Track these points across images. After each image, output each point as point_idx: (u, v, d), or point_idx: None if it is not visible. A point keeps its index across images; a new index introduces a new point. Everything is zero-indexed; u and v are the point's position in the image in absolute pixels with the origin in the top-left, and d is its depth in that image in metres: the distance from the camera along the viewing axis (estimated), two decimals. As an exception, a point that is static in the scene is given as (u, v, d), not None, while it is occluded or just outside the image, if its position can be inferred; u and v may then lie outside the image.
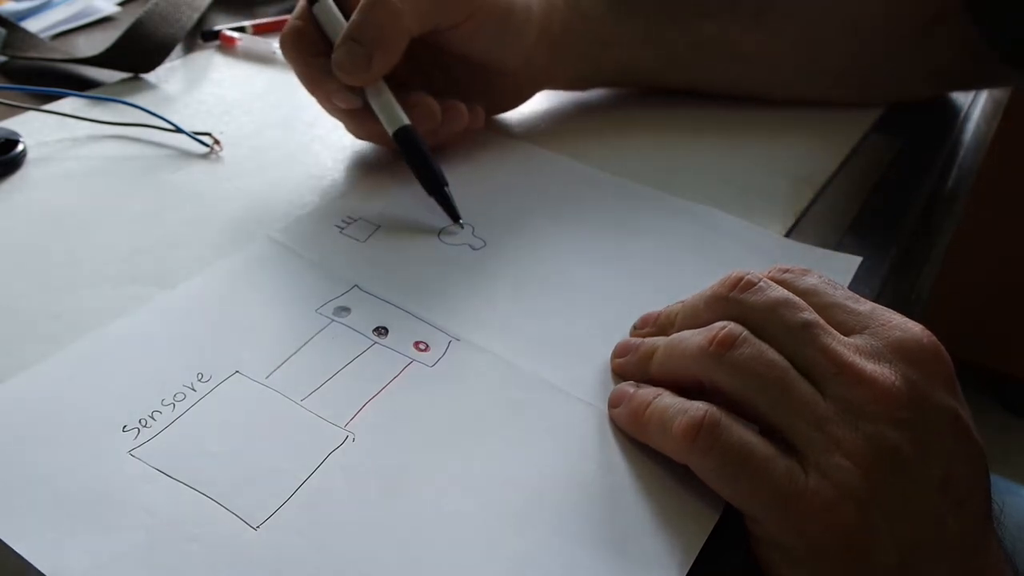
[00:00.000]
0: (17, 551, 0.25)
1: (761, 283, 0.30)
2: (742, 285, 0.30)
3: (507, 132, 0.50)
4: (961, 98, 0.61)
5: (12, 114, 0.46)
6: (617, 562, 0.27)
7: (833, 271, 0.39)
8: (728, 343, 0.29)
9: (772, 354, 0.28)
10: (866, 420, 0.27)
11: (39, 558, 0.25)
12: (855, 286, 0.40)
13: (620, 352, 0.34)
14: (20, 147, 0.43)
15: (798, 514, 0.26)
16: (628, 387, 0.32)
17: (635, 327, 0.35)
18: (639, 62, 0.51)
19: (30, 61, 0.51)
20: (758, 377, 0.28)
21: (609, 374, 0.34)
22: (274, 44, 0.56)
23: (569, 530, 0.28)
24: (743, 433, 0.27)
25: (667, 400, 0.30)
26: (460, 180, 0.45)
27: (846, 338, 0.29)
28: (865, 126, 0.55)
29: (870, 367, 0.27)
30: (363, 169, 0.46)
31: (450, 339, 0.35)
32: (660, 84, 0.53)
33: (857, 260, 0.41)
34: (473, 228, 0.41)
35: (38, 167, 0.43)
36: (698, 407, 0.28)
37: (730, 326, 0.29)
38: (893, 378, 0.27)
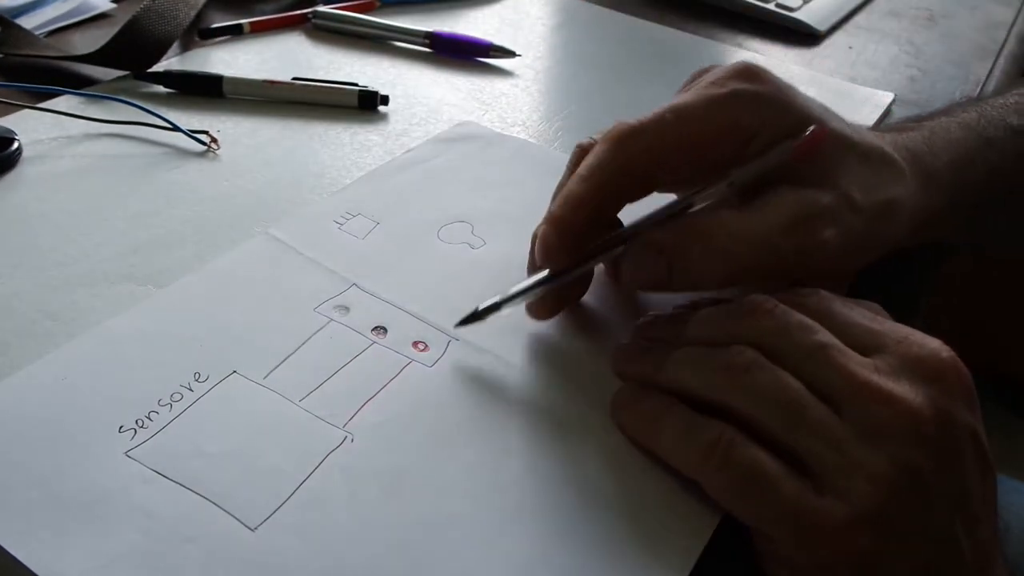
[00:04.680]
0: (12, 553, 0.25)
1: (776, 308, 0.30)
2: (758, 310, 0.30)
3: (506, 130, 0.50)
4: (963, 97, 0.61)
5: (7, 112, 0.46)
6: (616, 565, 0.27)
7: None
8: (741, 369, 0.28)
9: (786, 378, 0.28)
10: (887, 440, 0.26)
11: (34, 560, 0.25)
12: (857, 287, 0.40)
13: (624, 355, 0.34)
14: (15, 145, 0.43)
15: (809, 534, 0.26)
16: (636, 391, 0.32)
17: (639, 327, 0.35)
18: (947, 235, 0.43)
19: (25, 58, 0.51)
20: (772, 402, 0.28)
21: (611, 375, 0.34)
22: (272, 41, 0.56)
23: (568, 533, 0.28)
24: (755, 453, 0.27)
25: (680, 415, 0.29)
26: (459, 179, 0.44)
27: (864, 358, 0.28)
28: (867, 126, 0.55)
29: (890, 386, 0.27)
30: (362, 167, 0.45)
31: (449, 339, 0.35)
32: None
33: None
34: (472, 227, 0.41)
35: (33, 165, 0.43)
36: (712, 425, 0.28)
37: (744, 352, 0.29)
38: (914, 396, 0.27)
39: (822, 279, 0.33)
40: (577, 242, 0.33)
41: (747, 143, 0.33)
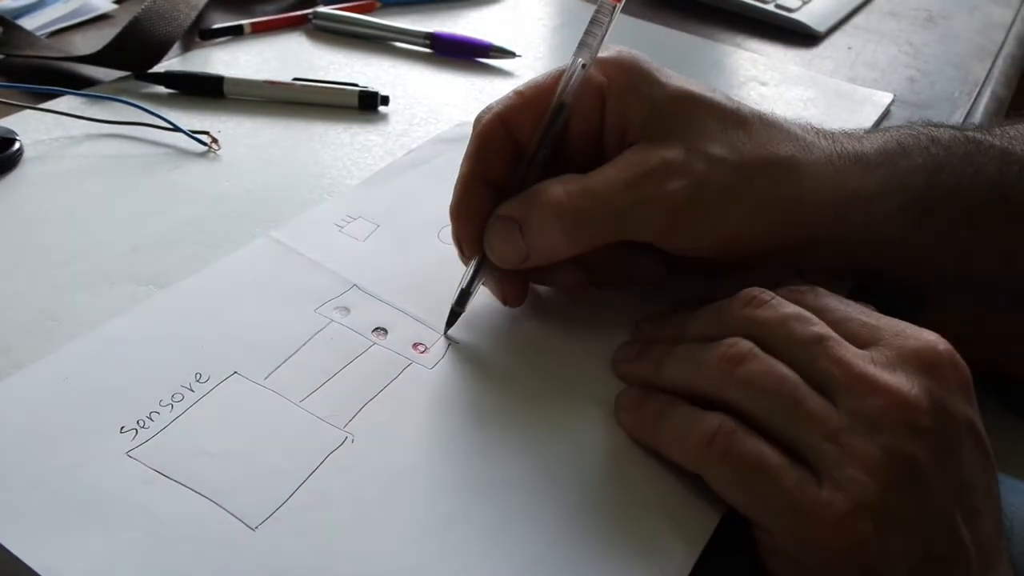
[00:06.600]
0: (13, 552, 0.25)
1: (773, 300, 0.30)
2: (754, 302, 0.30)
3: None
4: (962, 97, 0.62)
5: (8, 112, 0.46)
6: (617, 565, 0.27)
7: (827, 284, 0.39)
8: (737, 360, 0.28)
9: (782, 369, 0.28)
10: (883, 430, 0.26)
11: (36, 560, 0.25)
12: (858, 288, 0.40)
13: (625, 356, 0.34)
14: (16, 146, 0.43)
15: (809, 525, 0.26)
16: (638, 392, 0.32)
17: (639, 328, 0.35)
18: (915, 264, 0.39)
19: (26, 59, 0.51)
20: (768, 392, 0.28)
21: (612, 376, 0.34)
22: (272, 42, 0.56)
23: (568, 533, 0.28)
24: (756, 443, 0.27)
25: (680, 410, 0.30)
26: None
27: (860, 350, 0.28)
28: (865, 126, 0.55)
29: (885, 376, 0.27)
30: (363, 167, 0.45)
31: (449, 341, 0.35)
32: (926, 277, 0.40)
33: (847, 284, 0.40)
34: (472, 227, 0.41)
35: (35, 166, 0.43)
36: (712, 417, 0.28)
37: (739, 343, 0.29)
38: (910, 387, 0.27)
39: (709, 245, 0.33)
40: (478, 221, 0.34)
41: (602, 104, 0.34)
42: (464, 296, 0.35)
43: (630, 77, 0.34)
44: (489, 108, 0.34)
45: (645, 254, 0.36)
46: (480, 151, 0.34)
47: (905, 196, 0.35)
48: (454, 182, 0.34)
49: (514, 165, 0.34)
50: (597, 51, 0.33)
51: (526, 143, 0.34)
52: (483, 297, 0.36)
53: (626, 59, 0.34)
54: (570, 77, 0.33)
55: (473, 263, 0.35)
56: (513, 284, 0.35)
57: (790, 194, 0.34)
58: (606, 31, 0.33)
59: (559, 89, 0.33)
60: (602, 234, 0.33)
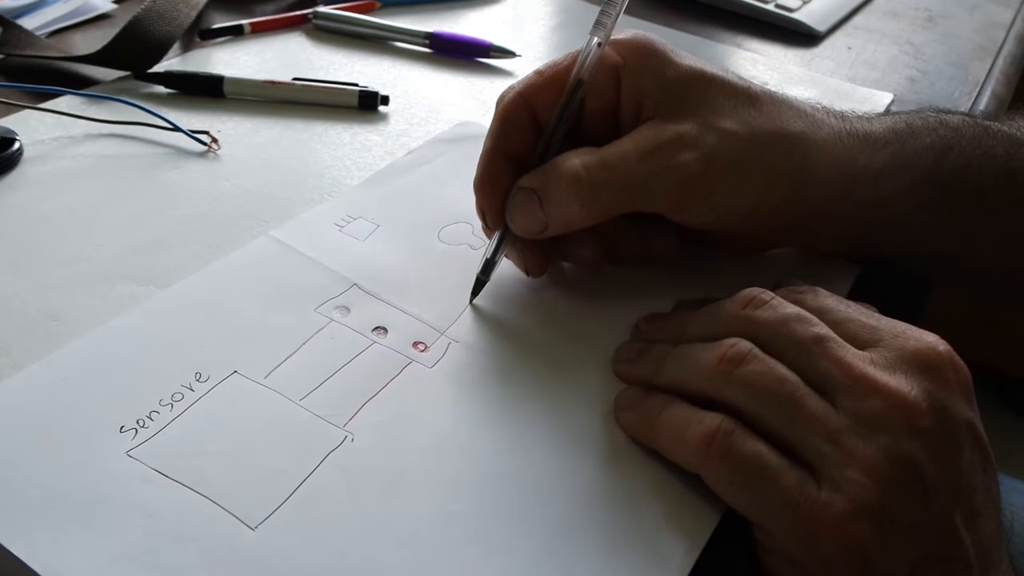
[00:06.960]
0: (13, 553, 0.25)
1: (773, 300, 0.30)
2: (754, 302, 0.30)
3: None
4: (962, 97, 0.61)
5: (8, 112, 0.46)
6: (617, 564, 0.27)
7: (831, 278, 0.39)
8: (736, 360, 0.29)
9: (781, 370, 0.28)
10: (882, 431, 0.26)
11: (36, 560, 0.25)
12: (860, 285, 0.40)
13: (625, 356, 0.34)
14: (16, 145, 0.43)
15: (809, 527, 0.26)
16: (638, 392, 0.32)
17: (638, 328, 0.35)
18: (923, 244, 0.39)
19: (26, 59, 0.51)
20: (768, 393, 0.28)
21: (612, 377, 0.34)
22: (272, 42, 0.56)
23: (569, 531, 0.28)
24: (755, 444, 0.27)
25: (680, 409, 0.30)
26: (459, 180, 0.45)
27: (860, 351, 0.28)
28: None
29: (885, 377, 0.27)
30: (363, 167, 0.45)
31: (449, 341, 0.35)
32: (930, 260, 0.41)
33: (855, 269, 0.40)
34: (473, 228, 0.41)
35: (34, 165, 0.43)
36: (712, 417, 0.28)
37: (739, 343, 0.29)
38: (909, 388, 0.27)
39: (728, 219, 0.35)
40: (501, 194, 0.35)
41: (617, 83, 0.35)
42: (489, 266, 0.36)
43: (644, 57, 0.35)
44: (511, 87, 0.36)
45: (659, 231, 0.37)
46: (502, 128, 0.35)
47: (913, 175, 0.36)
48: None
49: (534, 140, 0.36)
50: (612, 30, 0.34)
51: (545, 120, 0.35)
52: (484, 295, 0.36)
53: (641, 40, 0.35)
54: (586, 55, 0.34)
55: (497, 234, 0.36)
56: (534, 255, 0.37)
57: (799, 167, 0.35)
58: (620, 10, 0.34)
59: (576, 67, 0.34)
60: (617, 204, 0.34)
